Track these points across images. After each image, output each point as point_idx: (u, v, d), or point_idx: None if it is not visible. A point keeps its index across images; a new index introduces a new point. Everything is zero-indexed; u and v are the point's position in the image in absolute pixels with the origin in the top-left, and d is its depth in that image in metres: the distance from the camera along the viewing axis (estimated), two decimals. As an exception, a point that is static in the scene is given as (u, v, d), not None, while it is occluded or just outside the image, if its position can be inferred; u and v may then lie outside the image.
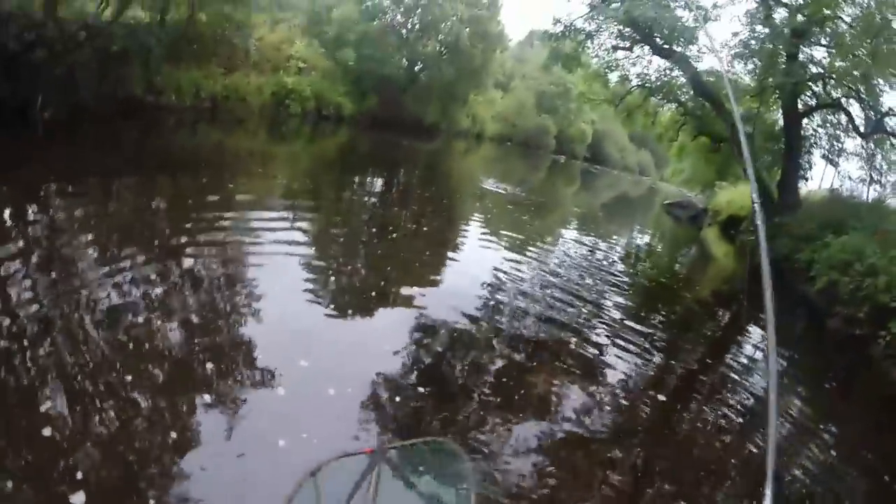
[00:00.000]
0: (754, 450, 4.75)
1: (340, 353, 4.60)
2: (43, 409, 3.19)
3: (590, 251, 12.08)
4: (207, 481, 2.99)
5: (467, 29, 32.12)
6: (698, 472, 4.36)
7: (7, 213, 6.10)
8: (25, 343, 3.76)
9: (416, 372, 4.61)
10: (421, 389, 4.35)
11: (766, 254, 2.50)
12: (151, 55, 15.05)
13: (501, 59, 40.43)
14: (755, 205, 2.94)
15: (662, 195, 34.00)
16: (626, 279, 10.73)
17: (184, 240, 6.23)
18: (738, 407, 5.79)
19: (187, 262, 5.56)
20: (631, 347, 6.56)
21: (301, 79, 23.61)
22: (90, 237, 5.93)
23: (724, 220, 22.38)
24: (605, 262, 11.50)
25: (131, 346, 3.94)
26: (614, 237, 15.01)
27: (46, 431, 3.03)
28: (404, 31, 32.12)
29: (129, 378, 3.58)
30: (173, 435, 3.24)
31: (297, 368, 4.12)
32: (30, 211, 6.42)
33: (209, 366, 3.95)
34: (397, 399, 4.12)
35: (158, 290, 4.85)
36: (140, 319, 4.30)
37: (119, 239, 5.98)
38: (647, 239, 18.04)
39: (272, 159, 14.50)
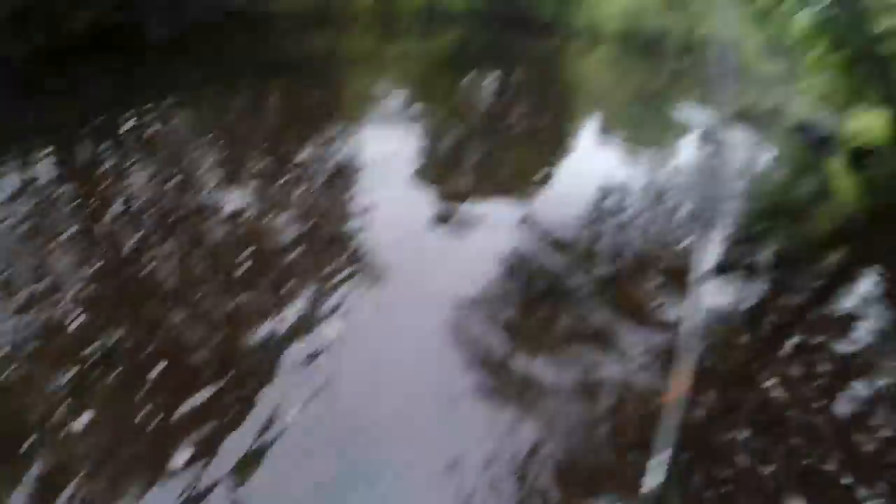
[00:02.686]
0: None
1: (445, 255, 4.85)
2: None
3: (703, 162, 12.09)
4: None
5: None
6: None
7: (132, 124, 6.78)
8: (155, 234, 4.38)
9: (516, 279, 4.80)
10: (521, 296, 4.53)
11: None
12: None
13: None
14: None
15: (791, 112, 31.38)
16: (737, 200, 10.11)
17: (300, 143, 6.59)
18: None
19: (303, 162, 5.97)
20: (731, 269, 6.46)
21: None
22: (210, 142, 6.70)
23: (852, 149, 20.22)
24: (717, 176, 11.15)
25: (248, 238, 4.34)
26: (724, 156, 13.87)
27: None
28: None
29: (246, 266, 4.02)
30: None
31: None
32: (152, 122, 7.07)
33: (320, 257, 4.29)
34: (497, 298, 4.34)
35: (275, 190, 5.28)
36: (258, 215, 4.70)
37: (239, 143, 6.72)
38: (766, 158, 16.68)
39: (385, 59, 14.41)
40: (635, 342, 4.18)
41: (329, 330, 3.54)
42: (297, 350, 3.42)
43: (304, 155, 5.98)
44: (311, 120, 7.51)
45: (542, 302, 4.48)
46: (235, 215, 4.69)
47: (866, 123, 20.04)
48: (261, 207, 4.84)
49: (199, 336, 3.46)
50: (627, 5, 44.84)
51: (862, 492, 3.46)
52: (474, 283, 4.43)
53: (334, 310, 3.70)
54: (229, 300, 3.68)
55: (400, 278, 4.06)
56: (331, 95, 9.33)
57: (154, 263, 3.98)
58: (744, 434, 3.58)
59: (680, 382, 2.53)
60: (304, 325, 3.54)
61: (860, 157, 18.83)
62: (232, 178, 5.26)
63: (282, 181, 5.28)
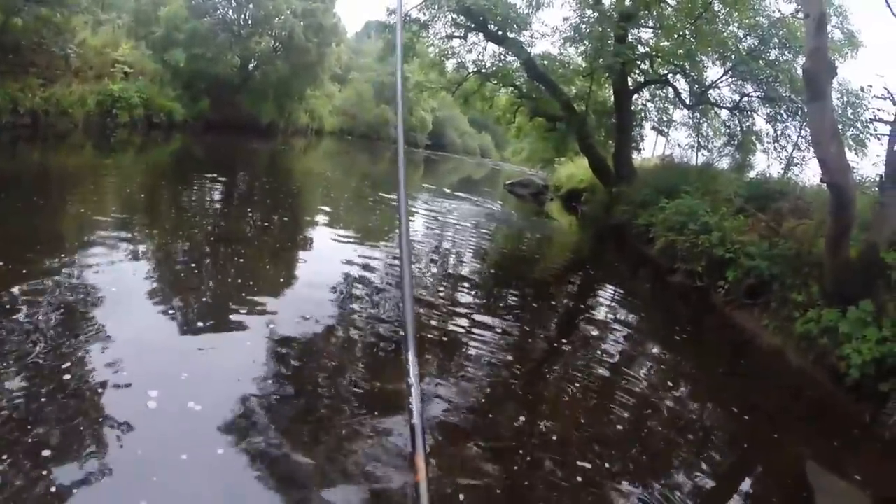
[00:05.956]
0: (620, 409, 5.14)
1: (196, 375, 4.31)
2: None
3: (439, 234, 12.30)
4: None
5: (302, 23, 31.32)
6: (575, 434, 4.53)
7: None
8: None
9: (277, 381, 4.45)
10: (283, 398, 4.24)
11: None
12: (-39, 70, 13.71)
13: (338, 53, 40.00)
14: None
15: (505, 175, 35.17)
16: (479, 256, 11.09)
17: (4, 275, 5.41)
18: (602, 364, 6.29)
19: (13, 298, 4.94)
20: (491, 320, 6.78)
21: (128, 85, 21.67)
22: None
23: (565, 193, 23.73)
24: (456, 242, 11.76)
25: None
26: (462, 218, 15.29)
27: None
28: (236, 27, 30.70)
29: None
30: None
31: (147, 400, 3.81)
32: None
33: (54, 412, 3.57)
34: (260, 411, 3.97)
35: None
36: None
37: None
38: (494, 217, 18.39)
39: (102, 175, 13.11)
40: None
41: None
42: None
43: (21, 288, 5.05)
44: (28, 247, 6.50)
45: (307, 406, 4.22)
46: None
47: (570, 172, 23.68)
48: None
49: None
50: (344, 103, 47.68)
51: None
52: (237, 397, 4.07)
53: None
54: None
55: (158, 411, 3.71)
56: (47, 217, 8.21)
57: None
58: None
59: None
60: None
61: (571, 199, 22.22)
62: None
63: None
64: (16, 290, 5.10)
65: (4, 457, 3.08)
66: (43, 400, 3.65)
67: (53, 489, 2.94)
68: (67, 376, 3.95)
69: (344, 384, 4.59)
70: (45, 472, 3.03)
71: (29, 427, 3.33)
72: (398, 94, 3.02)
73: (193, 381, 4.18)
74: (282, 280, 7.23)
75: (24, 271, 5.65)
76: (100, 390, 3.82)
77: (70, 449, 3.25)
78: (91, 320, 4.84)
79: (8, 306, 4.76)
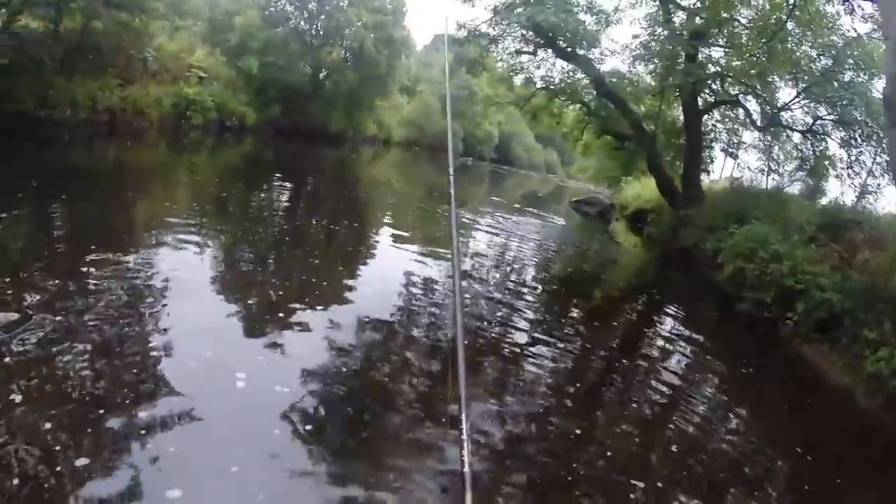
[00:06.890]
0: (677, 440, 4.98)
1: (277, 362, 4.61)
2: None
3: (503, 247, 12.24)
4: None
5: (372, 35, 31.93)
6: (627, 463, 4.41)
7: None
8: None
9: (337, 387, 4.52)
10: (344, 403, 4.34)
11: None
12: (44, 67, 14.31)
13: (407, 65, 40.44)
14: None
15: (571, 192, 34.82)
16: (542, 274, 11.00)
17: (84, 264, 5.65)
18: (660, 393, 6.05)
19: (90, 289, 5.11)
20: (548, 339, 6.73)
21: (202, 89, 22.57)
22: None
23: (631, 213, 23.29)
24: (520, 257, 11.66)
25: (39, 389, 3.52)
26: (527, 233, 15.19)
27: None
28: (308, 37, 31.61)
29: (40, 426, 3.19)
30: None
31: (236, 381, 4.10)
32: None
33: (129, 403, 3.62)
34: (323, 413, 4.08)
35: (64, 317, 4.41)
36: (44, 359, 3.86)
37: (10, 267, 5.48)
38: (559, 234, 18.27)
39: (175, 174, 13.73)
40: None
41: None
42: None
43: (96, 274, 5.23)
44: (102, 236, 6.76)
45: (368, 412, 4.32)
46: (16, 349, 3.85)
47: (637, 192, 23.24)
48: (49, 337, 4.09)
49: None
50: (411, 114, 48.09)
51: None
52: (295, 394, 4.16)
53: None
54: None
55: (215, 399, 3.79)
56: (121, 210, 8.57)
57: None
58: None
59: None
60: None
61: (637, 219, 21.77)
62: (9, 300, 4.51)
63: (72, 305, 4.63)
64: (100, 276, 5.39)
65: (107, 424, 3.31)
66: (135, 372, 3.94)
67: (150, 455, 3.13)
68: (155, 353, 4.23)
69: (401, 387, 4.73)
70: (144, 437, 3.25)
71: (128, 400, 3.56)
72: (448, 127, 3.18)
73: (276, 367, 4.51)
74: (348, 282, 7.46)
75: (111, 257, 6.00)
76: (190, 371, 4.08)
77: (166, 421, 3.45)
78: (172, 307, 5.11)
79: (97, 292, 5.03)
